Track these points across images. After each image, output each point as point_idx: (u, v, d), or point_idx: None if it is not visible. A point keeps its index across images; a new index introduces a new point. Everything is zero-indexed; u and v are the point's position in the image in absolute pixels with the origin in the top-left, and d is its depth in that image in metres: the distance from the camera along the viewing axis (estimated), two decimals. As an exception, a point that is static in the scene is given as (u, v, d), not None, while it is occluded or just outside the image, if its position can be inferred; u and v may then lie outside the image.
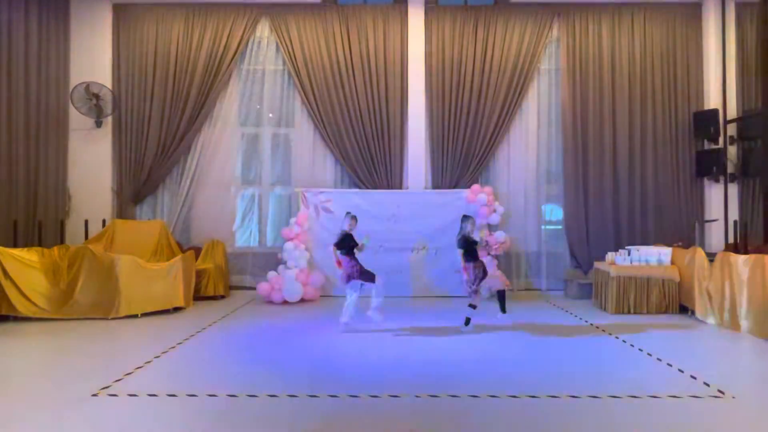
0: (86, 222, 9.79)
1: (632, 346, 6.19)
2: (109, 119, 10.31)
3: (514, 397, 4.41)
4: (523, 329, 7.12)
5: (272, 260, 10.01)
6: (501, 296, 7.32)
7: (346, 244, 7.03)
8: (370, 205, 9.86)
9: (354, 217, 7.20)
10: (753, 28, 10.12)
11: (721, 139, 10.07)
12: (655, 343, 6.26)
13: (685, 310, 8.08)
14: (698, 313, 7.63)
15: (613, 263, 8.44)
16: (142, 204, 10.55)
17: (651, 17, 10.49)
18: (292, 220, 9.77)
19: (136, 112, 10.37)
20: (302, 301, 9.18)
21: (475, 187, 9.89)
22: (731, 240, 9.57)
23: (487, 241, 9.39)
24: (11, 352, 6.06)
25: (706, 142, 10.30)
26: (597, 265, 8.99)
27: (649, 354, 5.81)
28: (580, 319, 7.86)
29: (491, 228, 9.81)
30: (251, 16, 10.42)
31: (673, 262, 8.35)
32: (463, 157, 10.33)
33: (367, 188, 10.26)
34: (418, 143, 10.39)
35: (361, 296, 7.09)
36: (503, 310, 7.28)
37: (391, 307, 8.50)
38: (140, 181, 10.35)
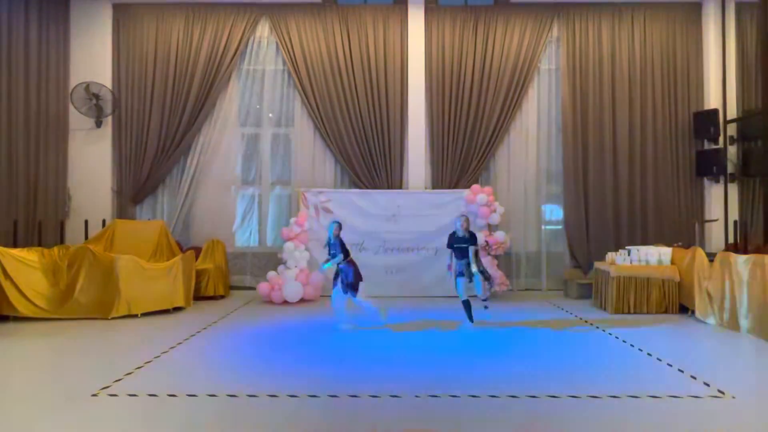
0: (86, 222, 9.79)
1: (632, 346, 6.18)
2: (109, 119, 10.31)
3: (514, 397, 4.41)
4: (524, 329, 7.11)
5: (272, 260, 10.01)
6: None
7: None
8: (370, 205, 9.87)
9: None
10: (753, 28, 10.11)
11: (721, 139, 10.07)
12: (655, 343, 6.26)
13: (685, 310, 8.08)
14: (698, 313, 7.63)
15: (613, 263, 8.44)
16: (142, 204, 10.55)
17: (651, 17, 10.49)
18: (292, 220, 9.76)
19: (136, 112, 10.37)
20: (302, 301, 9.18)
21: (475, 187, 9.89)
22: (731, 240, 9.57)
23: (487, 241, 9.46)
24: (11, 352, 6.06)
25: (706, 142, 10.30)
26: (597, 265, 8.99)
27: (649, 354, 5.80)
28: (580, 319, 7.86)
29: (491, 228, 9.81)
30: (251, 16, 10.42)
31: (673, 262, 8.34)
32: (463, 157, 10.33)
33: (367, 188, 10.26)
34: (418, 143, 10.39)
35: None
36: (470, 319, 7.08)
37: (391, 307, 8.49)
38: (140, 181, 10.35)
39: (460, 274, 7.00)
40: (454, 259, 7.11)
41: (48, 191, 9.77)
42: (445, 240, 7.30)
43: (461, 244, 7.02)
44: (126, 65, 10.44)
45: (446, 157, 10.35)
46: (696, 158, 10.33)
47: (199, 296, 9.06)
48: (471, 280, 6.97)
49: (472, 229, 7.31)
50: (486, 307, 7.10)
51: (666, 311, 8.12)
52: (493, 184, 10.41)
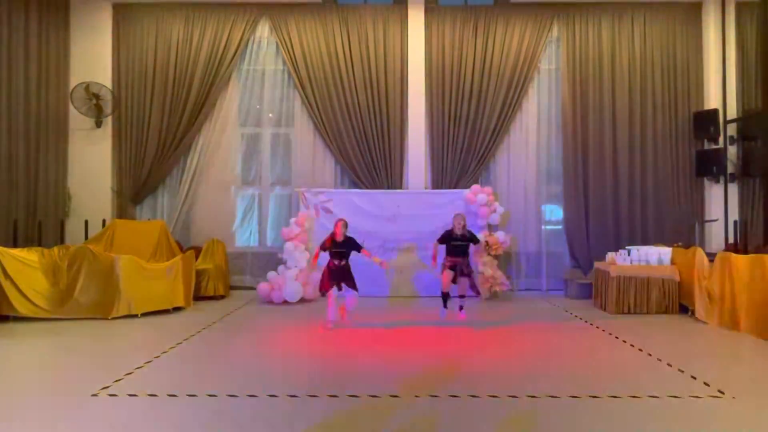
0: (86, 222, 9.79)
1: (632, 346, 6.18)
2: (109, 119, 10.31)
3: (515, 397, 4.41)
4: (524, 329, 7.12)
5: (272, 260, 10.00)
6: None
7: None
8: (370, 205, 9.86)
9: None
10: (753, 28, 10.11)
11: (721, 139, 10.07)
12: (655, 343, 6.25)
13: (685, 310, 8.08)
14: (698, 313, 7.62)
15: (613, 263, 8.44)
16: (142, 204, 10.56)
17: (651, 17, 10.49)
18: (292, 220, 9.76)
19: (136, 112, 10.38)
20: (302, 301, 9.18)
21: (475, 187, 9.89)
22: (731, 240, 9.57)
23: (487, 241, 9.48)
24: (11, 352, 6.06)
25: (706, 142, 10.30)
26: (597, 265, 8.99)
27: (649, 354, 5.80)
28: (580, 319, 7.86)
29: (491, 228, 9.81)
30: (251, 16, 10.42)
31: (673, 262, 8.34)
32: (463, 157, 10.33)
33: (367, 188, 10.26)
34: (418, 143, 10.39)
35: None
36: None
37: (391, 307, 8.51)
38: (140, 181, 10.35)
39: (448, 267, 7.29)
40: (443, 254, 7.37)
41: (48, 191, 9.77)
42: None
43: (459, 242, 7.29)
44: (126, 65, 10.45)
45: (446, 157, 10.35)
46: (696, 158, 10.33)
47: (199, 296, 9.06)
48: (464, 275, 7.33)
49: (472, 229, 7.46)
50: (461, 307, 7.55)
51: (666, 311, 8.12)
52: (493, 184, 10.41)
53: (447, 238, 7.32)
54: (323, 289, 7.15)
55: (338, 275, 7.08)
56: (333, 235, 7.10)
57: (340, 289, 7.09)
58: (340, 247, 7.08)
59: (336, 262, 7.08)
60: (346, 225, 7.18)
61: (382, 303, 9.00)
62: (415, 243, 9.78)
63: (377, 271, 9.44)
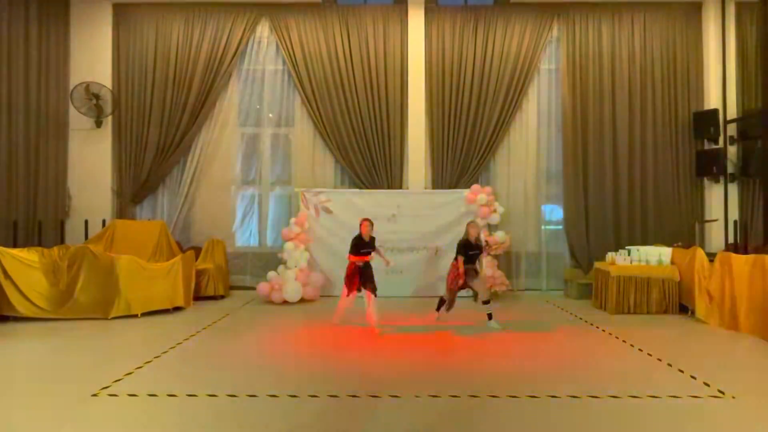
0: (86, 222, 9.80)
1: (632, 346, 6.19)
2: (109, 119, 10.32)
3: (514, 397, 4.41)
4: (523, 329, 7.12)
5: (272, 260, 10.01)
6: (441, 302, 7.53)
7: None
8: (370, 205, 9.86)
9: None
10: (753, 28, 10.12)
11: (721, 139, 10.07)
12: (655, 343, 6.26)
13: (685, 310, 8.08)
14: (698, 313, 7.63)
15: (613, 263, 8.44)
16: (142, 204, 10.56)
17: (651, 17, 10.49)
18: (292, 220, 9.76)
19: (136, 112, 10.38)
20: (302, 301, 9.18)
21: (475, 187, 9.89)
22: (731, 240, 9.57)
23: (486, 241, 9.46)
24: (11, 352, 6.06)
25: (706, 142, 10.31)
26: (597, 265, 8.99)
27: (649, 354, 5.81)
28: (580, 319, 7.86)
29: (491, 228, 9.81)
30: (251, 16, 10.43)
31: (673, 262, 8.35)
32: (463, 157, 10.33)
33: (367, 188, 10.26)
34: (418, 143, 10.39)
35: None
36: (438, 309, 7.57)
37: (391, 307, 8.51)
38: (140, 181, 10.35)
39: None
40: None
41: (48, 191, 9.78)
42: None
43: (475, 251, 7.29)
44: (126, 65, 10.45)
45: (446, 157, 10.35)
46: (696, 158, 10.33)
47: (199, 296, 9.07)
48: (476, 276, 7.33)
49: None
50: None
51: (666, 311, 8.12)
52: (493, 184, 10.42)
53: (466, 247, 7.21)
54: (351, 292, 7.06)
55: (363, 274, 7.02)
56: (360, 235, 7.06)
57: (359, 290, 7.09)
58: (368, 246, 7.09)
59: (363, 261, 7.05)
60: (371, 225, 7.16)
61: (382, 304, 8.97)
62: (415, 243, 9.79)
63: (377, 272, 9.47)
